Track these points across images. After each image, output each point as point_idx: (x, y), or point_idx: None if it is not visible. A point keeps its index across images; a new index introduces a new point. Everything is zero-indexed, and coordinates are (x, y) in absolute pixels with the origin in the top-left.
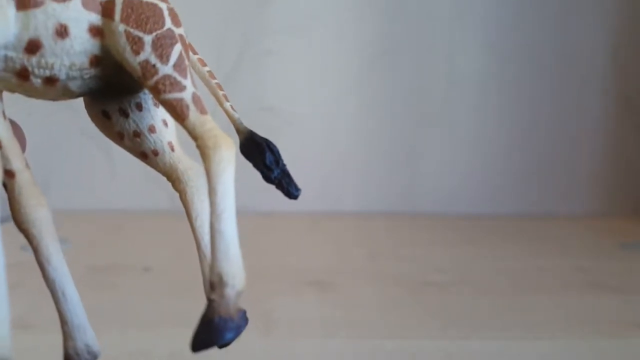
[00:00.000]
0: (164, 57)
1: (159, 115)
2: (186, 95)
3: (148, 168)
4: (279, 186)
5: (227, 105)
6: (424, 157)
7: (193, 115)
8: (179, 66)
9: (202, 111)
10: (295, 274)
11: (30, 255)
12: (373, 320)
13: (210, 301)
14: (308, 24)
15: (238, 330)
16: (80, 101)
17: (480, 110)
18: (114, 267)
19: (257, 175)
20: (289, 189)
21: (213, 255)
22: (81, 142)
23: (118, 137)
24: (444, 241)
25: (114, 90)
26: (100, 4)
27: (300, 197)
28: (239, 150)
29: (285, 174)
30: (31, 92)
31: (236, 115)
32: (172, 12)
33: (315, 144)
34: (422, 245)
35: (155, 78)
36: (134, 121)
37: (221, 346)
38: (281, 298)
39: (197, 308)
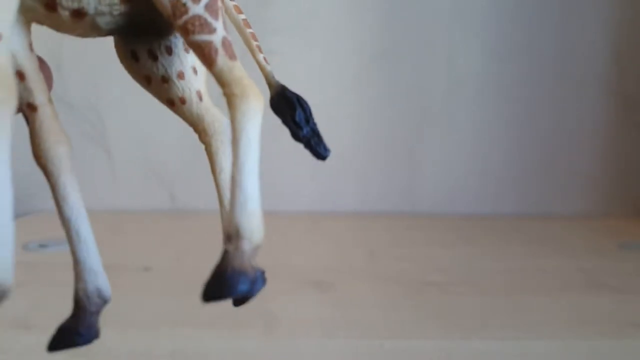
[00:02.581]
0: None
1: (188, 61)
2: (215, 39)
3: (148, 168)
4: (307, 145)
5: (260, 57)
6: (424, 157)
7: (221, 60)
8: (210, 7)
9: (232, 57)
10: (295, 274)
11: (30, 255)
12: (373, 320)
13: (225, 253)
14: (308, 24)
15: (252, 286)
16: (80, 100)
17: (480, 110)
18: (114, 267)
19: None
20: (317, 149)
21: (232, 207)
22: (81, 142)
23: (145, 81)
24: (444, 241)
25: (144, 31)
26: None
27: (300, 197)
28: (268, 103)
29: (315, 133)
30: (59, 26)
31: (268, 68)
32: None
33: None
34: (422, 245)
35: (184, 17)
36: (163, 65)
37: (235, 302)
38: (281, 298)
39: (197, 308)
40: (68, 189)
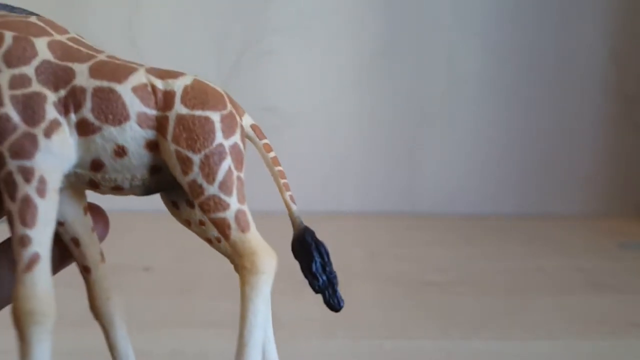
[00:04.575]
0: (210, 177)
1: None
2: (229, 215)
3: None
4: (322, 295)
5: (287, 195)
6: (424, 157)
7: (234, 234)
8: (224, 184)
9: (244, 229)
10: (295, 273)
11: None
12: (373, 320)
13: None
14: (308, 24)
15: None
16: None
17: (480, 110)
18: (114, 267)
19: (257, 174)
20: (331, 300)
21: None
22: None
23: (186, 223)
24: (444, 241)
25: (179, 186)
26: (155, 118)
27: (300, 197)
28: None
29: (331, 283)
30: (104, 194)
31: (294, 208)
32: (226, 119)
33: (316, 144)
34: (422, 245)
35: (201, 198)
36: (199, 212)
37: None
38: (281, 298)
39: (197, 308)
40: (118, 339)
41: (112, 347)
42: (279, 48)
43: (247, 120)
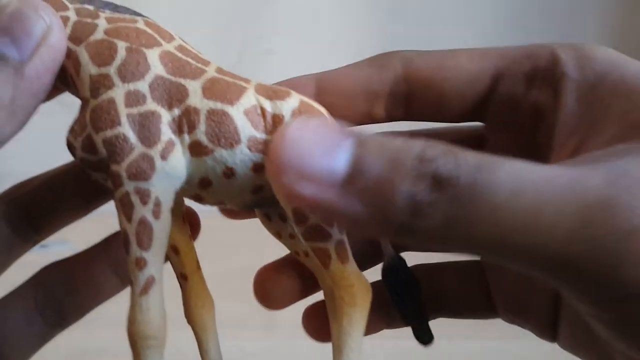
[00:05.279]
0: None
1: None
2: (330, 245)
3: None
4: (412, 328)
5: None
6: None
7: (334, 265)
8: None
9: (344, 260)
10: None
11: (30, 255)
12: None
13: None
14: (308, 24)
15: None
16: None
17: None
18: None
19: None
20: (420, 334)
21: None
22: None
23: (277, 235)
24: None
25: (276, 202)
26: (264, 142)
27: None
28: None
29: (420, 319)
30: (205, 205)
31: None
32: None
33: None
34: None
35: (303, 226)
36: (291, 226)
37: None
38: None
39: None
40: (210, 346)
41: (204, 353)
42: (279, 48)
43: None
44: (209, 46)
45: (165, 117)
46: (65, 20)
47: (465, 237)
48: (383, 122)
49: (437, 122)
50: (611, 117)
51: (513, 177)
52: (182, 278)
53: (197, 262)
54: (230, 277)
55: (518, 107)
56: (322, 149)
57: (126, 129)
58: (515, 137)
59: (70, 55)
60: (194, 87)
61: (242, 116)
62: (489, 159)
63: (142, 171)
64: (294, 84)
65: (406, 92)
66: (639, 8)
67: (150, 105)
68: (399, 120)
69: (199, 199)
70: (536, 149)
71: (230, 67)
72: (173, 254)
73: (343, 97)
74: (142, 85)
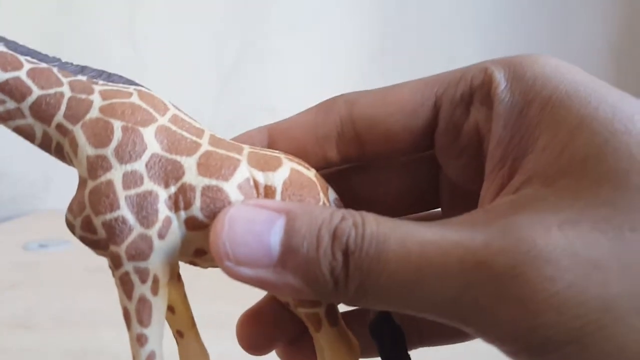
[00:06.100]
0: None
1: None
2: (320, 310)
3: None
4: None
5: None
6: None
7: (324, 328)
8: None
9: (333, 323)
10: None
11: (30, 255)
12: None
13: None
14: (308, 24)
15: None
16: None
17: None
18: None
19: None
20: None
21: None
22: None
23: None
24: None
25: None
26: None
27: None
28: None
29: None
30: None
31: None
32: None
33: None
34: None
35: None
36: None
37: None
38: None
39: (196, 308)
40: None
41: None
42: (279, 48)
43: (332, 196)
44: (209, 46)
45: (162, 195)
46: (60, 97)
47: (375, 301)
48: (339, 165)
49: (392, 158)
50: (535, 151)
51: (401, 244)
52: (179, 335)
53: (193, 319)
54: (229, 279)
55: (460, 130)
56: (254, 236)
57: (125, 212)
58: (464, 161)
59: (66, 134)
60: (189, 164)
61: (236, 191)
62: (383, 227)
63: (141, 252)
64: (248, 136)
65: (354, 133)
66: (638, 8)
67: (147, 185)
68: (354, 162)
69: (193, 264)
70: (483, 173)
71: (230, 67)
72: (170, 313)
73: (295, 145)
74: (139, 165)
